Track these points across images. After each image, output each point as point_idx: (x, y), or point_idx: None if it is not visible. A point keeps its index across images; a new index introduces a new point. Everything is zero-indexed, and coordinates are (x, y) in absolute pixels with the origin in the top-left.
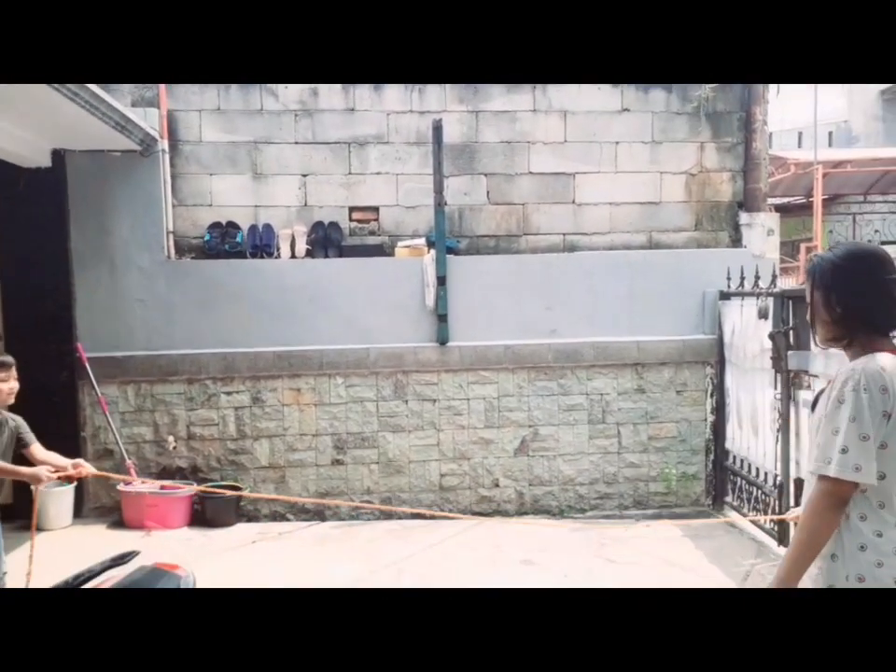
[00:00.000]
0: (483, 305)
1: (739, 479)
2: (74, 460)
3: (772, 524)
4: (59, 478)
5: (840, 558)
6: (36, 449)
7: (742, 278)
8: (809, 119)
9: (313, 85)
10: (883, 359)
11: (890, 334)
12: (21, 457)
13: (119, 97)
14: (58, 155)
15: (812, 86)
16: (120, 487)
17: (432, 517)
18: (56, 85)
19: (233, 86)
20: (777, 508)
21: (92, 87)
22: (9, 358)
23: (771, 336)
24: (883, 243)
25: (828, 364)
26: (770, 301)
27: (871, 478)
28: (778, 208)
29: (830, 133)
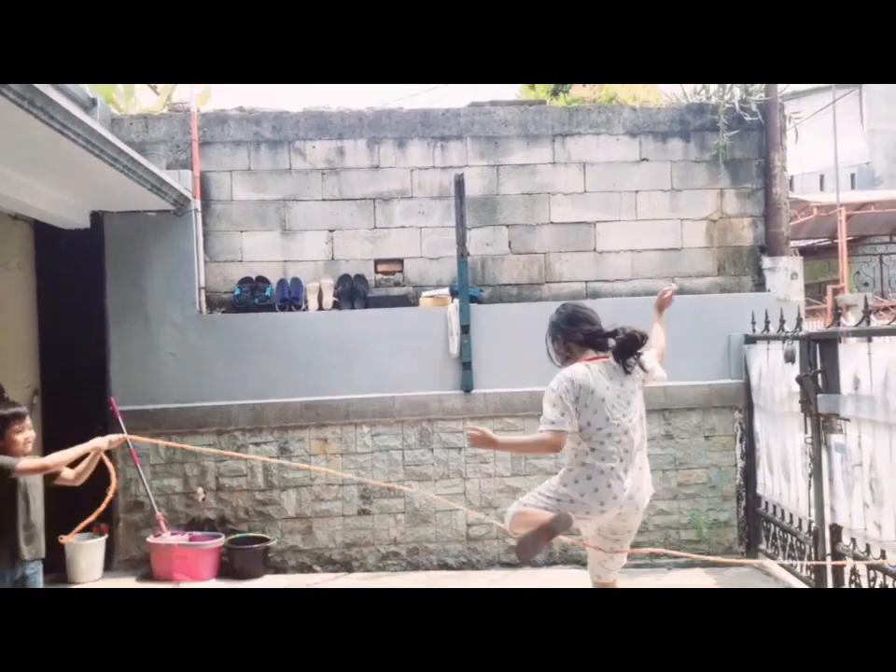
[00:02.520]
0: (507, 352)
1: (772, 525)
2: (108, 437)
3: (808, 571)
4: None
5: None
6: (65, 470)
7: (767, 322)
8: (831, 162)
9: (339, 144)
10: (576, 366)
11: (591, 353)
12: (54, 487)
13: (155, 160)
14: (96, 216)
15: (833, 129)
16: (150, 539)
17: (469, 560)
18: (97, 151)
19: (263, 147)
20: (812, 554)
21: (131, 152)
22: (23, 409)
23: (799, 380)
24: None
25: (859, 407)
26: (796, 344)
27: (563, 434)
28: (803, 251)
29: (852, 176)
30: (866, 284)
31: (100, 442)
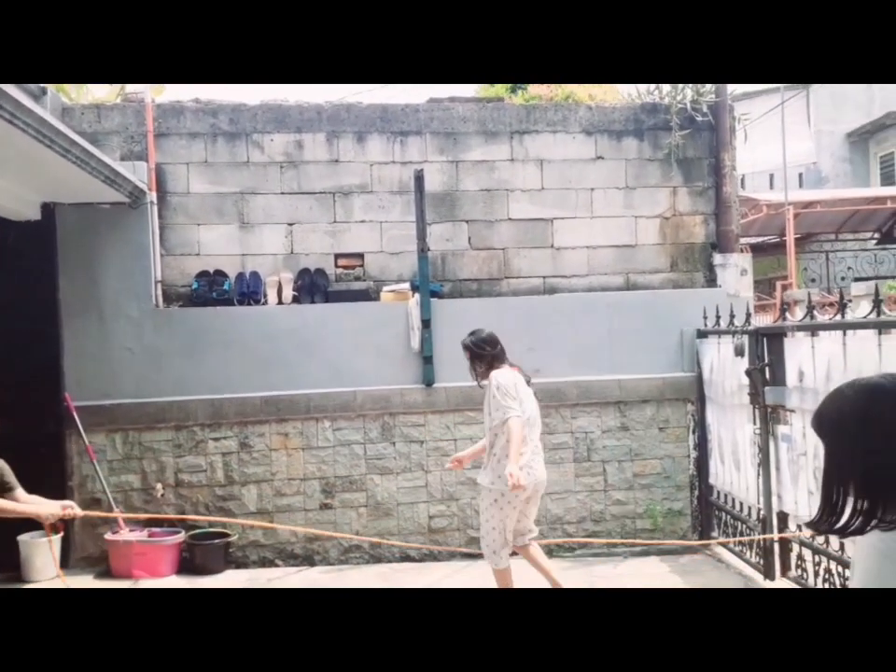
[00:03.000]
0: None
1: (724, 514)
2: (63, 501)
3: (757, 557)
4: (48, 526)
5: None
6: (20, 493)
7: (718, 317)
8: (780, 162)
9: (298, 137)
10: (506, 371)
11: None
12: None
13: (109, 151)
14: (48, 208)
15: (782, 130)
16: (107, 536)
17: (431, 552)
18: (48, 142)
19: (220, 139)
20: (761, 541)
21: (84, 143)
22: None
23: (748, 372)
24: (856, 279)
25: (803, 398)
26: (745, 338)
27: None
28: (754, 247)
29: (800, 175)
30: (813, 280)
31: (54, 510)
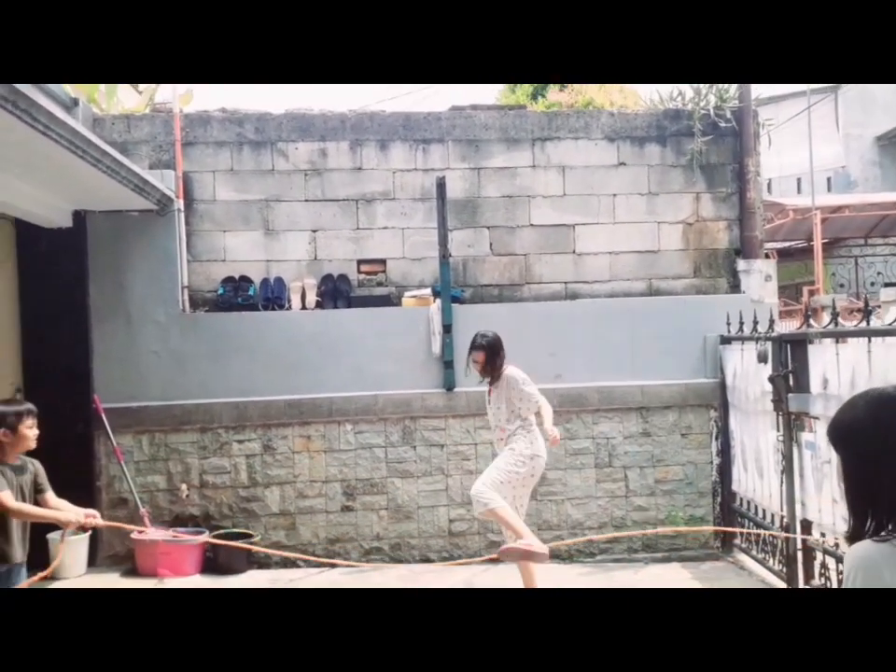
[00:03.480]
0: None
1: (747, 521)
2: (86, 510)
3: (780, 565)
4: (74, 527)
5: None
6: (50, 496)
7: (741, 323)
8: (807, 166)
9: (322, 145)
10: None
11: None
12: (35, 503)
13: (138, 160)
14: (79, 216)
15: (808, 134)
16: (134, 535)
17: (451, 554)
18: (80, 152)
19: (246, 147)
20: (784, 549)
21: (114, 153)
22: (33, 406)
23: (771, 379)
24: (886, 284)
25: (827, 406)
26: (769, 344)
27: None
28: (780, 252)
29: (828, 179)
30: (842, 285)
31: (73, 518)
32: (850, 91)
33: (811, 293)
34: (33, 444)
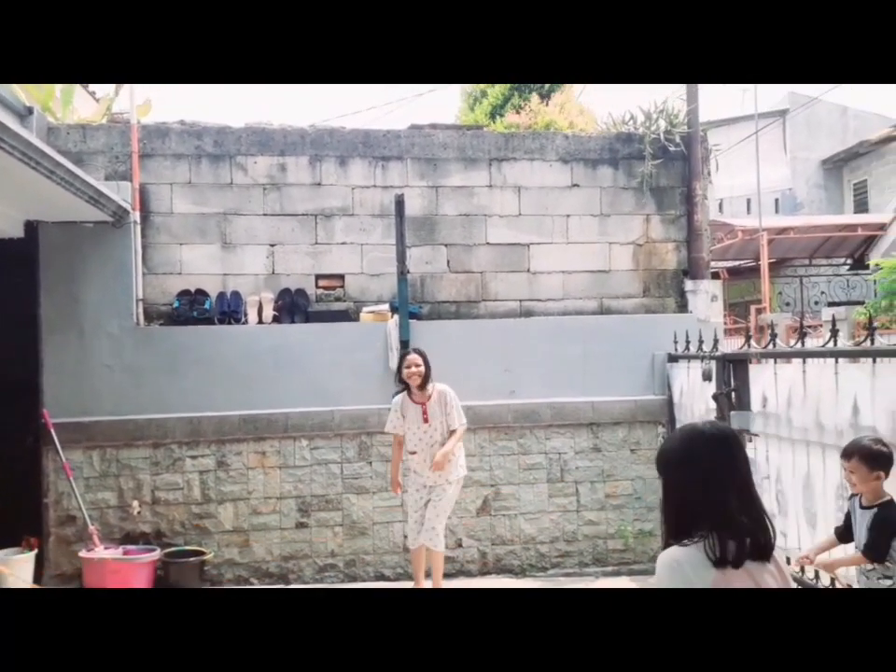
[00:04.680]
0: (445, 368)
1: None
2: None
3: None
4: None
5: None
6: None
7: (687, 342)
8: (756, 187)
9: (281, 160)
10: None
11: None
12: None
13: (93, 171)
14: (31, 226)
15: (756, 157)
16: (82, 554)
17: (406, 571)
18: (33, 163)
19: (204, 160)
20: None
21: (68, 164)
22: None
23: (714, 397)
24: (830, 303)
25: (766, 423)
26: (713, 363)
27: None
28: (730, 271)
29: (776, 200)
30: (788, 304)
31: None
32: (798, 116)
33: (758, 311)
34: None
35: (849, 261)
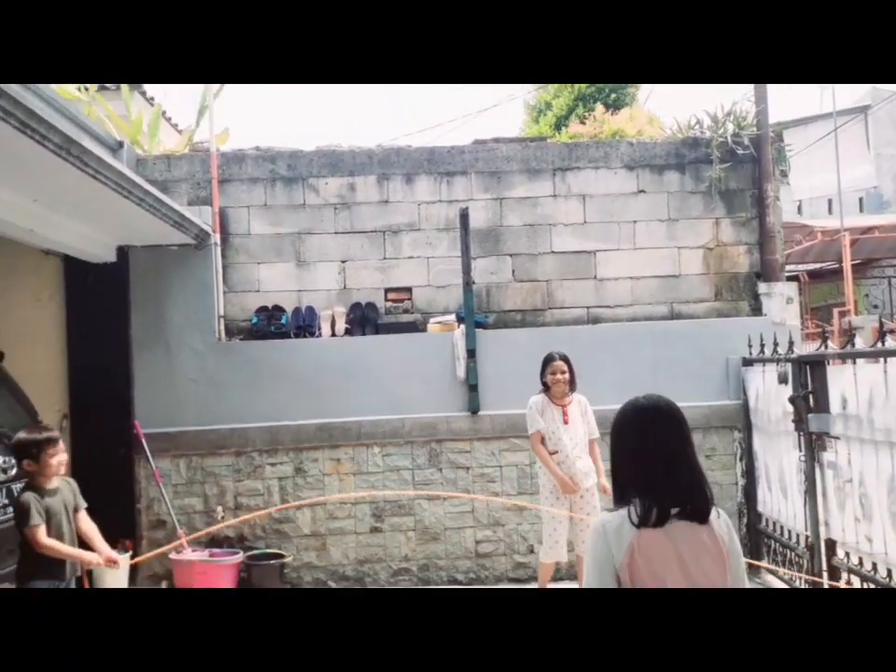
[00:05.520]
0: (511, 375)
1: (772, 541)
2: (110, 553)
3: (806, 585)
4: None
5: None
6: (82, 517)
7: (762, 345)
8: (837, 187)
9: (350, 180)
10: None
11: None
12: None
13: (177, 197)
14: (122, 251)
15: (836, 155)
16: (172, 556)
17: (478, 576)
18: (125, 193)
19: (278, 183)
20: (809, 569)
21: (156, 192)
22: (56, 433)
23: (791, 400)
24: None
25: (847, 425)
26: (789, 366)
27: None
28: (811, 274)
29: (860, 200)
30: (875, 306)
31: (91, 558)
32: (881, 111)
33: (841, 314)
34: (60, 471)
35: None
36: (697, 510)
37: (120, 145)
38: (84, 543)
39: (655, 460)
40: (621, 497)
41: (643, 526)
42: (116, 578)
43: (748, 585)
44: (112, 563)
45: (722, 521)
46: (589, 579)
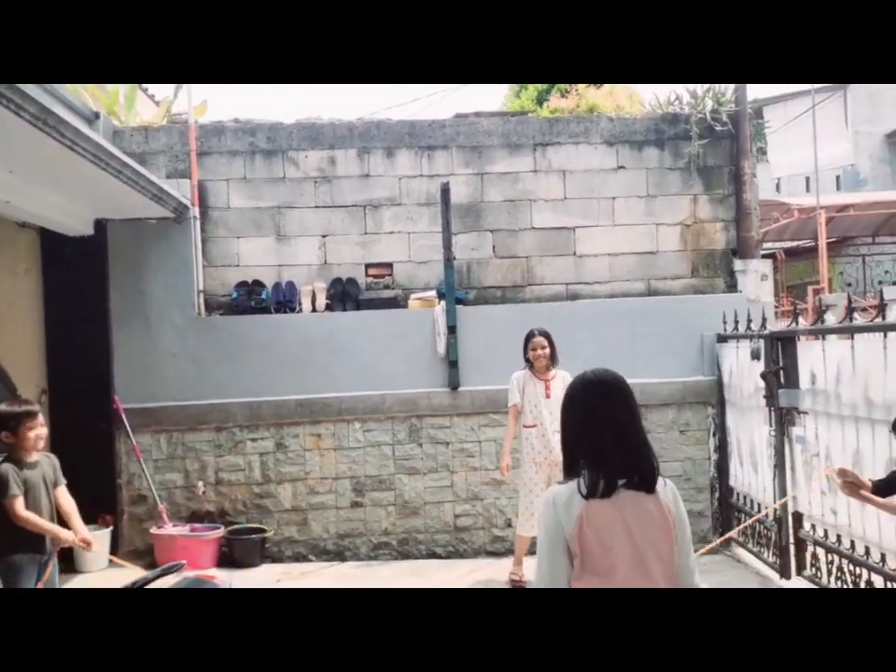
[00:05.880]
0: (491, 352)
1: (743, 515)
2: (85, 534)
3: (774, 557)
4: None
5: None
6: (62, 493)
7: (736, 322)
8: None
9: (331, 153)
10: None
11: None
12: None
13: (155, 170)
14: (100, 224)
15: (813, 133)
16: (153, 531)
17: (457, 549)
18: (103, 164)
19: (258, 156)
20: (777, 541)
21: (134, 164)
22: (35, 407)
23: (763, 375)
24: (895, 282)
25: (815, 401)
26: (761, 342)
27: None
28: (788, 252)
29: (837, 177)
30: (849, 284)
31: (67, 536)
32: (859, 89)
33: (816, 292)
34: (39, 445)
35: None
36: (644, 480)
37: (97, 115)
38: (63, 520)
39: (603, 433)
40: (571, 470)
41: (591, 497)
42: (96, 554)
43: (692, 550)
44: (86, 544)
45: (669, 489)
46: (540, 550)
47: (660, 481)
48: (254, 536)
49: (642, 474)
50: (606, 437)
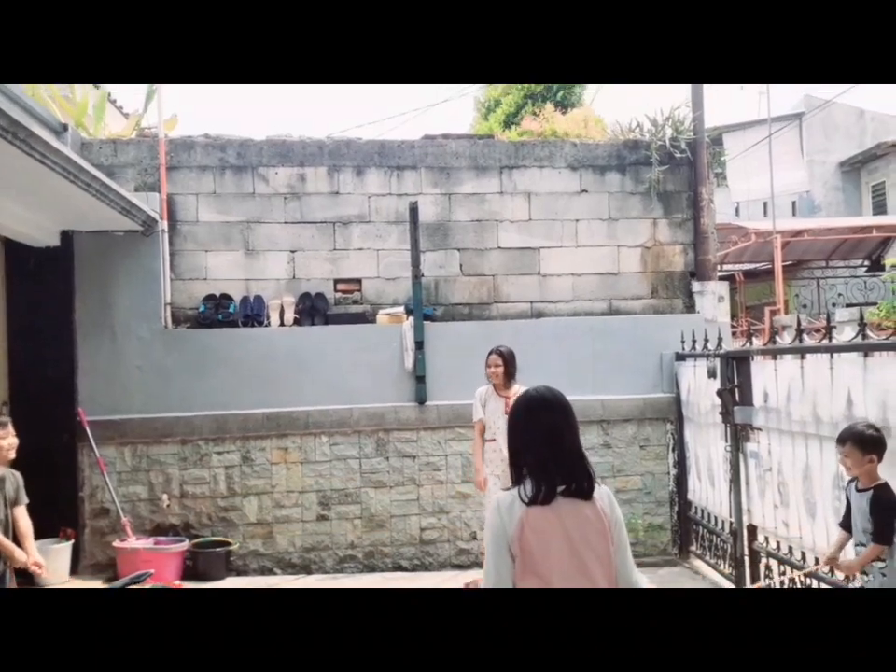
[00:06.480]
0: (458, 367)
1: (701, 528)
2: (37, 558)
3: (730, 569)
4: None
5: None
6: (21, 513)
7: (694, 341)
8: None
9: (301, 171)
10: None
11: None
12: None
13: (124, 183)
14: (66, 236)
15: (769, 160)
16: (116, 544)
17: (423, 562)
18: (72, 177)
19: (228, 171)
20: (733, 553)
21: (103, 177)
22: (4, 418)
23: (719, 393)
24: (848, 305)
25: (768, 417)
26: (717, 361)
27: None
28: (746, 274)
29: (794, 203)
30: (805, 306)
31: (21, 557)
32: (813, 119)
33: (772, 313)
34: (10, 454)
35: (867, 263)
36: (581, 488)
37: (65, 128)
38: (17, 539)
39: (543, 444)
40: (517, 479)
41: (532, 504)
42: (58, 565)
43: (630, 549)
44: (38, 567)
45: (604, 494)
46: (487, 552)
47: (596, 487)
48: (219, 549)
49: (579, 482)
50: (545, 448)
